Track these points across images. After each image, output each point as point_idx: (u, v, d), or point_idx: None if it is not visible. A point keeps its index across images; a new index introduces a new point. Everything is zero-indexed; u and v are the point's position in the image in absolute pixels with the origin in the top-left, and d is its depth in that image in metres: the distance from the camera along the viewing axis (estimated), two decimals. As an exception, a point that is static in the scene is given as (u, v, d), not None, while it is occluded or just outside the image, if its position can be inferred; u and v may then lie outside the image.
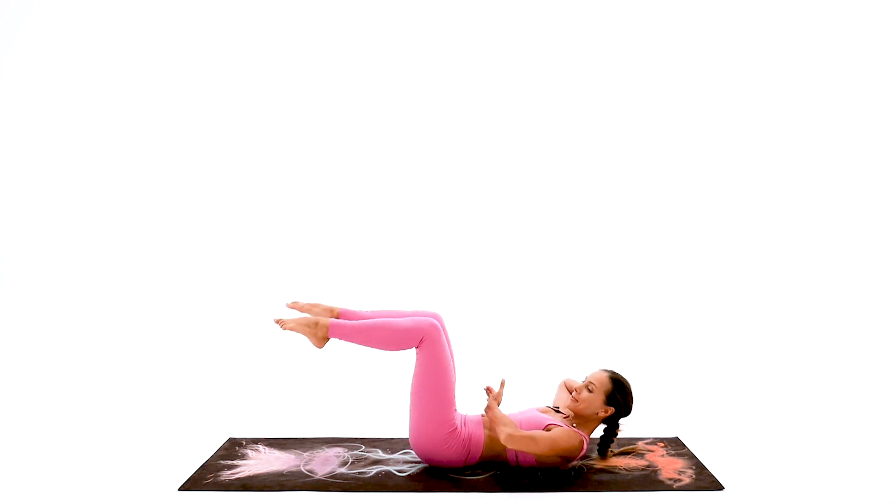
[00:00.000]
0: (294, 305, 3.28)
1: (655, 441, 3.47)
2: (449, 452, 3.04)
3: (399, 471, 3.09)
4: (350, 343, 3.14)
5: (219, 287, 5.27)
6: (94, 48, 5.28)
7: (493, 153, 5.40)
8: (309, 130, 5.37)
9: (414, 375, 3.07)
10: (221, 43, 5.31)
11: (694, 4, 5.30)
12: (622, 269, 5.34)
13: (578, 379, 3.52)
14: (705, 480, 3.01)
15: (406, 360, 4.06)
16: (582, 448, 3.04)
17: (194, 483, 2.97)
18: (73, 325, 5.07)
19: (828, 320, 5.06)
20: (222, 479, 3.02)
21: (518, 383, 3.80)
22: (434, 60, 5.36)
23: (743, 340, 4.99)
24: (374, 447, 3.37)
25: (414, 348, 3.07)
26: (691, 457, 3.27)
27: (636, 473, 3.07)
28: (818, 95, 5.29)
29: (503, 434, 2.93)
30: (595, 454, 3.27)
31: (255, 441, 3.46)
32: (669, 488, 2.94)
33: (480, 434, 3.08)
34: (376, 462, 3.19)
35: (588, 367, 3.59)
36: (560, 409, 3.21)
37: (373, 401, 4.09)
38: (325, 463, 3.18)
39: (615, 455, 3.28)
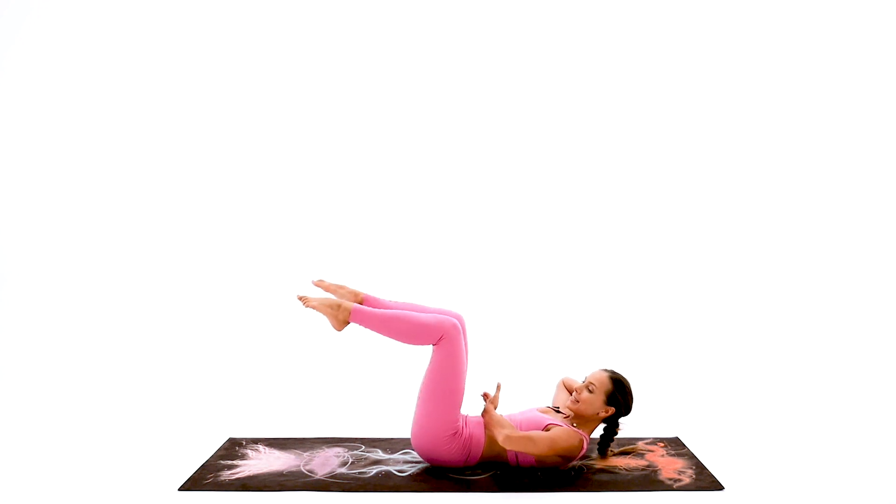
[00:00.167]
0: (320, 284, 3.20)
1: (655, 441, 3.47)
2: (450, 452, 3.04)
3: (399, 471, 3.09)
4: (368, 330, 3.07)
5: (219, 287, 5.27)
6: (95, 48, 5.28)
7: (493, 153, 5.40)
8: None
9: (426, 372, 3.05)
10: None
11: (694, 4, 5.30)
12: (622, 270, 5.34)
13: (577, 378, 3.53)
14: (705, 480, 3.01)
15: (407, 361, 4.08)
16: (582, 448, 3.03)
17: (194, 483, 2.97)
18: (74, 325, 5.07)
19: (827, 320, 5.06)
20: (222, 479, 3.02)
21: (518, 383, 3.80)
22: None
23: (743, 340, 4.99)
24: (374, 447, 3.37)
25: (431, 345, 3.04)
26: (691, 457, 3.27)
27: (636, 473, 3.07)
28: (817, 95, 5.29)
29: (501, 436, 2.93)
30: (595, 454, 3.27)
31: (255, 441, 3.46)
32: (669, 488, 2.94)
33: (481, 435, 3.08)
34: (376, 462, 3.19)
35: (588, 367, 3.59)
36: (560, 409, 3.21)
37: (373, 401, 4.09)
38: (325, 463, 3.18)
39: (615, 455, 3.28)
